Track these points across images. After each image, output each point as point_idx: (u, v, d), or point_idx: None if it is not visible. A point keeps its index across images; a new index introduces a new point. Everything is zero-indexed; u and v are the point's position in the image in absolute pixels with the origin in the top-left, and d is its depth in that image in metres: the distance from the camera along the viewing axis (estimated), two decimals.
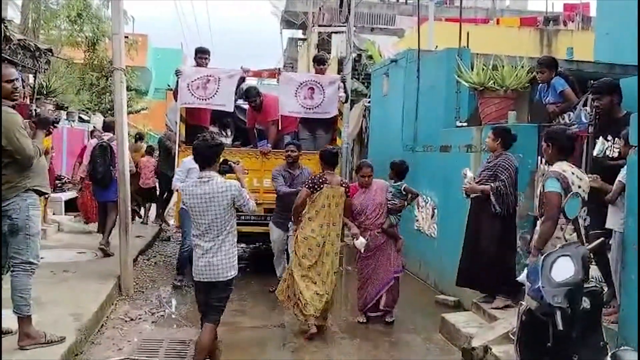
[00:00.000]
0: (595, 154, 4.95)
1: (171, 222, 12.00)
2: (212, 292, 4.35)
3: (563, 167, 4.26)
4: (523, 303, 3.70)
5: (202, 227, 4.28)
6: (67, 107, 11.12)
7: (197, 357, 4.36)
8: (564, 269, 3.42)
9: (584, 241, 4.27)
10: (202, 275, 4.29)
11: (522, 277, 4.39)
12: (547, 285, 3.36)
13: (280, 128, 8.01)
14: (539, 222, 4.38)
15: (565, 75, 6.25)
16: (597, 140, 4.98)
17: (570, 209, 4.00)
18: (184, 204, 4.45)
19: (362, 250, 6.18)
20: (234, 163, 4.64)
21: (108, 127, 8.62)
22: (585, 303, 3.43)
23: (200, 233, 4.30)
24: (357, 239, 6.14)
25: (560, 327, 3.21)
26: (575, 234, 4.31)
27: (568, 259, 3.48)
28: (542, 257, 3.61)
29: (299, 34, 26.33)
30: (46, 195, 4.89)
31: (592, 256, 3.75)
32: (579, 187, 4.26)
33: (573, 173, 4.27)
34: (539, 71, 6.25)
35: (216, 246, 4.26)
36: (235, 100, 8.42)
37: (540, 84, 6.41)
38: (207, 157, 4.29)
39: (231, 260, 4.33)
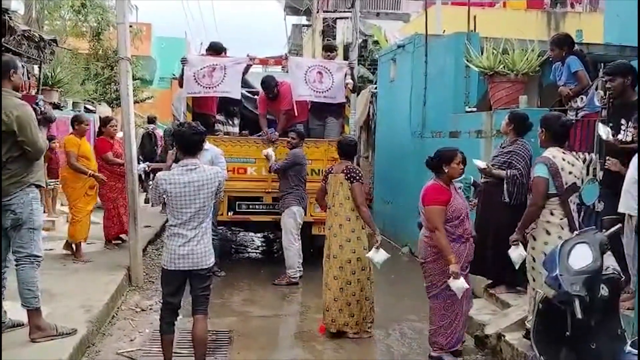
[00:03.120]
0: (604, 138, 4.86)
1: None
2: (194, 282, 4.25)
3: (553, 153, 4.42)
4: (539, 291, 3.65)
5: (185, 215, 4.13)
6: (62, 106, 10.96)
7: (199, 351, 4.28)
8: (581, 257, 3.37)
9: (576, 226, 4.39)
10: (185, 264, 4.14)
11: (512, 252, 4.67)
12: (565, 273, 3.30)
13: (296, 114, 7.94)
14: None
15: (581, 55, 6.17)
16: (600, 124, 4.90)
17: (588, 194, 3.97)
18: (159, 196, 4.19)
19: (460, 296, 4.68)
20: None
21: (151, 120, 13.95)
22: (604, 290, 3.37)
23: (182, 222, 4.14)
24: (456, 279, 4.56)
25: (579, 316, 3.16)
26: (565, 219, 4.41)
27: (585, 246, 3.42)
28: (560, 244, 3.55)
29: (303, 20, 26.08)
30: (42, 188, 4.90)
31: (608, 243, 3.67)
32: (570, 172, 4.40)
33: (564, 159, 4.41)
34: (550, 49, 6.22)
35: (200, 234, 4.17)
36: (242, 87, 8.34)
37: (555, 64, 6.33)
38: (194, 143, 4.19)
39: (211, 248, 4.27)
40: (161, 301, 4.48)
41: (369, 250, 5.40)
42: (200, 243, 4.16)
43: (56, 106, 10.14)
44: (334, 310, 5.47)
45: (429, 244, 4.79)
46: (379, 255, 5.27)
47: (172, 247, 4.17)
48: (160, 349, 4.43)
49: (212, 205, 4.29)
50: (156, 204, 4.48)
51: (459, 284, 4.55)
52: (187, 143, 4.19)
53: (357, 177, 5.52)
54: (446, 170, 4.76)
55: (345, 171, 5.54)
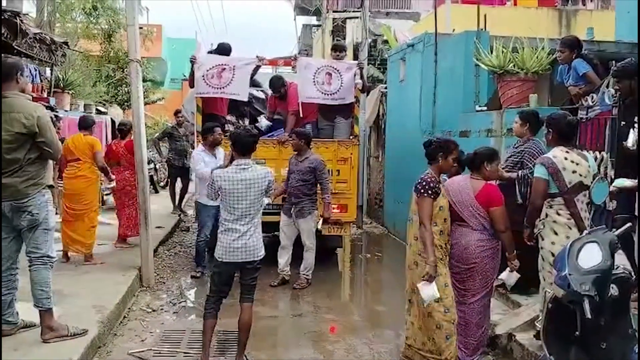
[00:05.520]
0: (630, 145, 4.71)
1: (189, 212, 12.08)
2: (245, 273, 4.60)
3: (556, 152, 4.46)
4: (549, 291, 3.62)
5: (238, 211, 4.47)
6: (56, 109, 10.89)
7: (243, 336, 4.61)
8: (591, 256, 3.34)
9: (585, 225, 4.39)
10: (239, 256, 4.48)
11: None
12: (575, 272, 3.27)
13: (302, 116, 7.93)
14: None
15: (588, 57, 6.11)
16: (631, 130, 4.79)
17: (597, 193, 3.94)
18: (215, 192, 4.53)
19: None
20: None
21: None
22: (613, 290, 3.35)
23: (236, 218, 4.48)
24: (512, 272, 4.75)
25: (589, 316, 3.13)
26: (573, 219, 4.42)
27: (595, 245, 3.39)
28: (569, 243, 3.53)
29: (313, 20, 26.09)
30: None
31: (618, 242, 3.63)
32: (574, 171, 4.41)
33: (566, 158, 4.43)
34: (559, 50, 6.16)
35: (252, 228, 4.52)
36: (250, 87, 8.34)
37: (561, 65, 6.30)
38: (247, 145, 4.56)
39: (262, 241, 4.63)
40: (209, 291, 4.73)
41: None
42: (252, 237, 4.51)
43: (51, 108, 10.10)
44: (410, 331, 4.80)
45: (486, 247, 4.66)
46: (427, 290, 4.33)
47: (227, 241, 4.50)
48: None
49: (262, 204, 4.61)
50: (213, 199, 4.79)
51: (515, 276, 4.73)
52: (242, 144, 4.55)
53: (423, 190, 4.47)
54: (488, 169, 4.76)
55: (418, 180, 4.59)
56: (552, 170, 4.40)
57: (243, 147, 4.55)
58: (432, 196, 4.45)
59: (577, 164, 4.44)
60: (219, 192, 4.51)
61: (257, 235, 4.55)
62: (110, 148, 8.66)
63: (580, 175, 4.43)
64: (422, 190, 4.48)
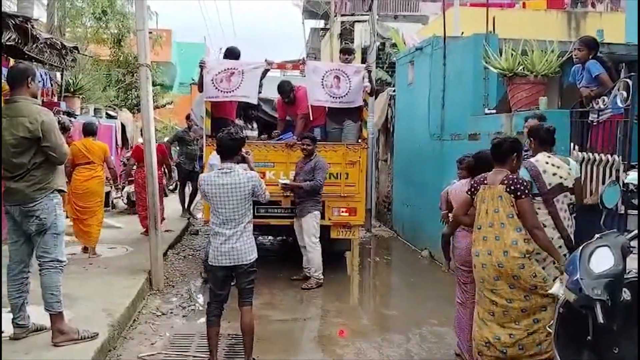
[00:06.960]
0: None
1: (199, 215, 12.11)
2: (239, 277, 4.55)
3: (538, 157, 4.84)
4: (561, 296, 3.59)
5: (222, 215, 4.44)
6: (73, 114, 10.97)
7: (247, 339, 4.60)
8: (603, 260, 3.31)
9: (563, 224, 4.69)
10: (226, 260, 4.45)
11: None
12: (586, 277, 3.24)
13: (311, 119, 7.96)
14: None
15: (603, 59, 6.07)
16: None
17: (609, 197, 3.92)
18: (203, 196, 4.61)
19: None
20: (245, 154, 4.78)
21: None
22: (626, 294, 3.31)
23: (221, 222, 4.46)
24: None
25: (601, 320, 3.10)
26: (549, 217, 4.69)
27: (607, 249, 3.36)
28: (580, 247, 3.50)
29: (321, 24, 26.10)
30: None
31: (631, 245, 3.60)
32: (554, 174, 4.74)
33: (547, 162, 4.79)
34: (577, 48, 6.13)
35: (238, 232, 4.46)
36: (259, 93, 8.36)
37: (574, 66, 6.26)
38: (230, 148, 4.49)
39: (252, 245, 4.56)
40: (209, 298, 4.75)
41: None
42: (239, 241, 4.46)
43: (70, 114, 10.17)
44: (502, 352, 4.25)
45: None
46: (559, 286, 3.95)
47: (215, 245, 4.50)
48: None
49: (249, 208, 4.55)
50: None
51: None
52: (224, 148, 4.50)
53: (525, 190, 4.23)
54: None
55: (506, 182, 4.25)
56: (534, 173, 4.71)
57: (224, 150, 4.50)
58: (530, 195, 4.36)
59: (558, 167, 4.77)
60: (206, 196, 4.51)
61: (244, 240, 4.48)
62: (140, 149, 9.15)
63: (561, 177, 4.75)
64: (526, 191, 4.23)
